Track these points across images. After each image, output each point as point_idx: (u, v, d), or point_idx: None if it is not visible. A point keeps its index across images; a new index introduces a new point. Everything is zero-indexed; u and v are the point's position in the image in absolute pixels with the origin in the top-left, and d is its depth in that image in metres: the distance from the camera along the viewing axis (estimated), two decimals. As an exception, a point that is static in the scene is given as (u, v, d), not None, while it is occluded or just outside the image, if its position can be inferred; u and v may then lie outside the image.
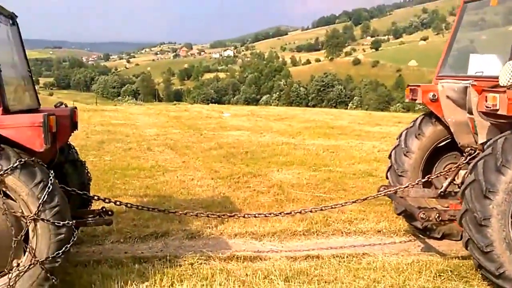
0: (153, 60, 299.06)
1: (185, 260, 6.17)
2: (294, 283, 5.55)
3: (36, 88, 6.39)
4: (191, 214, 6.78)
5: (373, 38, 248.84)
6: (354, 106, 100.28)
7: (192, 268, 5.94)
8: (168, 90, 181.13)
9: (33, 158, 4.71)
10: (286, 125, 21.12)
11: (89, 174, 6.85)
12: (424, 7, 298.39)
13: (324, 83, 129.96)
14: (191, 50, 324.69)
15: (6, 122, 4.67)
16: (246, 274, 5.77)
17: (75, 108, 6.19)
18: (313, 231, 7.47)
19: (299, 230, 7.48)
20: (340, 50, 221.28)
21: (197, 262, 6.15)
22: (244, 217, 7.06)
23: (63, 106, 6.19)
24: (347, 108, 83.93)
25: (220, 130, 19.21)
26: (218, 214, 6.89)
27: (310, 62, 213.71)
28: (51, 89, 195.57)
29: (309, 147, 14.88)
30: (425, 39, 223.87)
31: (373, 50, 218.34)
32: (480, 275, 5.68)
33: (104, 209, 6.14)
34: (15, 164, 4.50)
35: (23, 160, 4.56)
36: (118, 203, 6.33)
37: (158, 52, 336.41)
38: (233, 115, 25.32)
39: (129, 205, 6.49)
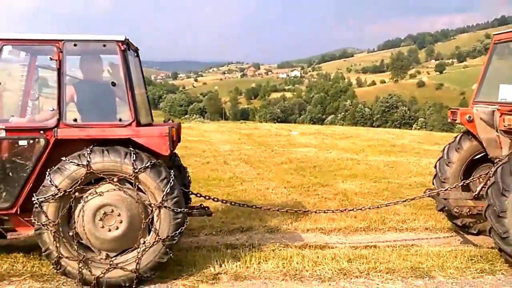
0: (221, 79, 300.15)
1: (267, 247, 7.54)
2: (356, 263, 6.88)
3: None
4: (274, 209, 8.27)
5: (437, 61, 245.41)
6: (419, 127, 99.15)
7: (273, 253, 7.30)
8: (235, 108, 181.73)
9: (160, 160, 6.19)
10: (350, 143, 22.12)
11: (189, 177, 8.26)
12: (487, 33, 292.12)
13: (388, 104, 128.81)
14: (259, 70, 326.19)
15: (140, 133, 6.15)
16: (317, 257, 7.11)
17: (180, 123, 7.66)
18: (372, 228, 8.80)
19: (360, 227, 8.81)
20: (405, 72, 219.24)
21: (277, 248, 7.52)
22: (316, 212, 8.50)
23: (170, 121, 7.69)
24: (411, 129, 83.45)
25: (289, 146, 20.34)
26: (295, 209, 8.36)
27: (375, 84, 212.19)
28: None
29: (371, 162, 15.97)
30: None
31: (437, 73, 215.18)
32: (503, 260, 6.89)
33: (202, 205, 7.54)
34: (147, 165, 5.97)
35: (152, 161, 6.04)
36: (216, 199, 7.84)
37: (226, 72, 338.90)
38: (301, 133, 26.41)
39: (224, 201, 8.00)
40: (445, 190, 8.09)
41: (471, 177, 8.25)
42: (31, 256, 6.91)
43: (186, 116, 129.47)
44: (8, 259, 6.83)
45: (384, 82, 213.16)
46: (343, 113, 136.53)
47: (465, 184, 8.22)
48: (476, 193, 7.94)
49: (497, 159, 7.49)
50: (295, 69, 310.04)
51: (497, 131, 7.46)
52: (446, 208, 8.00)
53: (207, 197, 7.79)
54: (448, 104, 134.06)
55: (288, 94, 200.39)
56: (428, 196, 8.42)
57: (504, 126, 7.11)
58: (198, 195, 7.84)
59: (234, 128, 30.37)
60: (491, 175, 6.96)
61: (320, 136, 24.92)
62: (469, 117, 8.01)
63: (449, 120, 8.71)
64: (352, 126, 56.96)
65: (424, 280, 6.46)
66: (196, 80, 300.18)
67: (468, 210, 7.66)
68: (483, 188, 7.62)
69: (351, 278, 6.48)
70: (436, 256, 7.25)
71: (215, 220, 9.02)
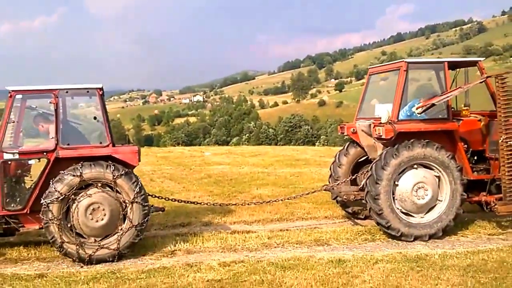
0: (123, 107, 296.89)
1: (207, 233, 10.07)
2: (273, 239, 9.64)
3: None
4: (210, 204, 11.26)
5: (337, 80, 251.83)
6: (321, 144, 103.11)
7: (212, 236, 9.90)
8: (139, 135, 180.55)
9: (130, 170, 8.69)
10: (259, 159, 24.70)
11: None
12: (383, 50, 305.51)
13: (292, 124, 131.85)
14: (161, 96, 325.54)
15: (118, 150, 8.72)
16: (245, 237, 9.86)
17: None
18: (284, 219, 11.60)
19: (274, 218, 11.61)
20: (306, 92, 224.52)
21: (214, 233, 10.07)
22: (242, 205, 11.59)
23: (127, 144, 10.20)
24: (314, 146, 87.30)
25: (205, 165, 22.61)
26: (226, 203, 11.11)
27: (277, 105, 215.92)
28: None
29: (279, 174, 18.68)
30: (385, 79, 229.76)
31: (337, 91, 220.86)
32: (381, 232, 9.83)
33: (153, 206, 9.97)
34: (122, 172, 8.51)
35: (126, 170, 8.58)
36: (167, 199, 10.54)
37: (127, 99, 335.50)
38: (213, 154, 28.65)
39: (173, 199, 10.74)
40: (337, 184, 10.94)
41: (357, 174, 11.14)
42: (32, 246, 9.35)
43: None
44: (15, 250, 9.23)
45: (287, 102, 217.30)
46: (248, 135, 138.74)
47: (352, 179, 11.11)
48: (360, 186, 10.74)
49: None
50: (197, 94, 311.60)
51: (374, 138, 10.36)
52: (338, 197, 10.84)
53: (154, 196, 10.36)
54: (348, 121, 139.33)
55: (192, 119, 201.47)
56: (325, 190, 11.29)
57: (376, 134, 9.98)
58: (153, 195, 10.40)
59: (148, 152, 32.34)
60: (368, 170, 9.83)
61: (232, 155, 27.39)
62: (353, 130, 11.01)
63: (339, 133, 11.67)
64: (258, 146, 60.21)
65: (323, 247, 9.24)
66: (88, 109, 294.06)
67: (353, 197, 10.54)
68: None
69: (271, 248, 9.20)
70: (333, 232, 10.11)
71: (160, 219, 11.43)
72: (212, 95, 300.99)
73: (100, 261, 8.45)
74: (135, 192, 8.56)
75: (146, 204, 8.70)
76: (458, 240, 9.50)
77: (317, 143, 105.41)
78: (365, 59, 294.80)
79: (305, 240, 9.59)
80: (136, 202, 8.57)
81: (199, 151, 31.65)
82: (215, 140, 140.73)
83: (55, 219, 8.27)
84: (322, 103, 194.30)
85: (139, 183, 8.68)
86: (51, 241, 8.40)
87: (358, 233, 9.99)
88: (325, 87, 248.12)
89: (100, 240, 8.57)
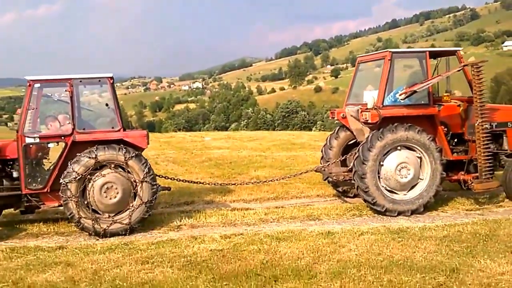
0: (125, 94, 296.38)
1: (209, 210, 10.80)
2: (270, 215, 10.44)
3: (11, 124, 11.15)
4: (211, 184, 12.18)
5: (333, 67, 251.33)
6: (318, 130, 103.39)
7: (214, 212, 10.63)
8: (141, 121, 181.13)
9: (140, 152, 9.40)
10: (257, 144, 25.40)
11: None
12: (378, 36, 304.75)
13: (288, 109, 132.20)
14: (161, 83, 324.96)
15: (128, 134, 9.44)
16: (244, 213, 10.63)
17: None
18: (279, 197, 12.40)
19: (271, 197, 12.42)
20: (303, 79, 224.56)
21: (216, 210, 10.81)
22: (241, 184, 12.54)
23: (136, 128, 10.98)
24: (310, 131, 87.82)
25: (206, 149, 23.34)
26: (226, 183, 11.83)
27: (275, 91, 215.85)
28: None
29: (275, 157, 19.38)
30: (380, 65, 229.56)
31: (333, 77, 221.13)
32: (368, 208, 10.57)
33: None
34: (133, 155, 9.23)
35: (136, 152, 9.30)
36: (173, 179, 11.26)
37: (129, 86, 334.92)
38: (213, 139, 29.34)
39: (178, 179, 11.44)
40: (327, 165, 11.68)
41: (346, 155, 11.86)
42: (50, 222, 10.23)
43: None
44: (35, 226, 10.10)
45: (284, 89, 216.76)
46: (246, 120, 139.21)
47: (341, 160, 11.83)
48: (349, 167, 11.45)
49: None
50: (196, 81, 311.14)
51: (361, 123, 11.06)
52: (329, 178, 11.60)
53: (161, 177, 11.06)
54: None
55: (192, 105, 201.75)
56: (316, 171, 12.04)
57: (363, 119, 10.69)
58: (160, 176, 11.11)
59: (152, 137, 32.91)
60: (356, 151, 10.55)
61: (231, 140, 28.10)
62: (343, 115, 11.71)
63: (330, 118, 12.37)
64: (256, 131, 60.92)
65: (315, 221, 10.01)
66: (100, 96, 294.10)
67: (343, 178, 11.31)
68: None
69: (267, 223, 9.99)
70: (324, 209, 10.88)
71: (166, 198, 12.16)
72: (211, 82, 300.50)
73: (113, 234, 9.20)
74: (145, 172, 9.29)
75: (154, 183, 9.44)
76: (437, 215, 10.28)
77: (313, 129, 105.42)
78: (360, 46, 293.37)
79: (298, 216, 10.37)
80: (146, 181, 9.30)
81: (199, 136, 32.35)
82: (214, 126, 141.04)
83: (73, 197, 9.03)
84: (318, 89, 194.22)
85: (148, 164, 9.40)
86: (69, 216, 9.17)
87: (347, 210, 10.76)
88: (321, 73, 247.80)
89: (114, 215, 9.32)
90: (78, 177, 9.05)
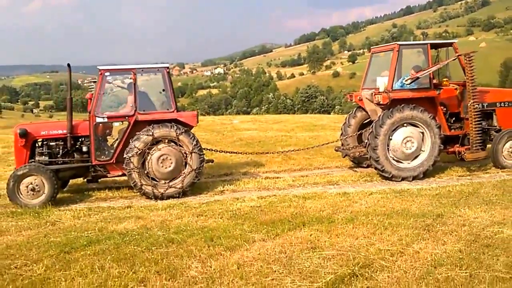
0: (147, 80, 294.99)
1: (246, 179, 12.57)
2: (296, 182, 12.25)
3: (37, 111, 12.78)
4: (249, 153, 14.33)
5: (350, 52, 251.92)
6: (336, 114, 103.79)
7: (250, 180, 12.36)
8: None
9: (189, 129, 11.23)
10: (281, 126, 26.94)
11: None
12: (394, 23, 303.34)
13: (308, 94, 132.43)
14: (183, 69, 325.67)
15: (182, 115, 11.26)
16: (275, 181, 12.40)
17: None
18: (304, 168, 14.17)
19: (297, 168, 14.22)
20: (321, 64, 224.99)
21: (252, 179, 12.59)
22: (272, 153, 14.72)
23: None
24: (329, 115, 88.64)
25: (235, 131, 24.94)
26: (261, 152, 13.71)
27: (294, 76, 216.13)
28: (51, 111, 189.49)
29: (299, 137, 21.05)
30: (389, 55, 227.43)
31: (350, 63, 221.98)
32: (378, 175, 12.44)
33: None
34: (183, 131, 11.03)
35: (185, 129, 11.11)
36: (217, 151, 13.32)
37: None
38: (240, 122, 30.88)
39: (220, 151, 13.38)
40: (345, 137, 13.76)
41: (363, 134, 13.68)
42: (114, 189, 12.06)
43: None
44: (102, 192, 11.93)
45: (303, 74, 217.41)
46: (267, 105, 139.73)
47: (357, 135, 13.76)
48: (364, 143, 13.16)
49: None
50: (218, 67, 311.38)
51: (374, 104, 12.79)
52: (346, 155, 13.47)
53: (206, 149, 12.82)
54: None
55: (214, 91, 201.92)
56: (336, 150, 14.10)
57: (376, 100, 12.43)
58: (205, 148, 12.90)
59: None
60: (370, 128, 12.32)
61: (257, 122, 29.65)
62: (359, 97, 13.51)
63: (348, 100, 14.18)
64: (279, 114, 62.63)
65: (334, 185, 11.79)
66: (123, 82, 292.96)
67: (359, 154, 13.19)
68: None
69: (295, 187, 11.75)
70: (341, 176, 12.71)
71: (208, 170, 13.80)
72: (232, 68, 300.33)
73: (169, 197, 11.01)
74: (193, 144, 11.10)
75: (201, 153, 11.26)
76: (434, 181, 12.00)
77: (332, 113, 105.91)
78: (376, 32, 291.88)
79: (320, 182, 12.19)
80: (194, 152, 11.12)
81: (228, 120, 33.84)
82: (236, 111, 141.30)
83: (136, 168, 10.86)
84: (336, 74, 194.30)
85: (196, 138, 11.20)
86: (133, 185, 10.99)
87: (360, 176, 12.55)
88: (339, 58, 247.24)
89: (169, 181, 11.12)
90: (139, 152, 10.85)
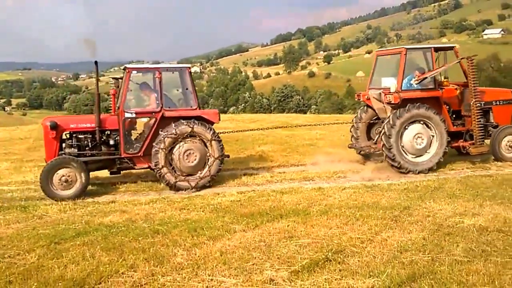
0: (122, 77, 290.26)
1: (227, 176, 13.07)
2: (274, 179, 12.71)
3: (9, 109, 13.15)
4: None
5: (325, 53, 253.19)
6: (312, 113, 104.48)
7: (231, 177, 12.85)
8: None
9: (209, 124, 11.81)
10: (258, 124, 26.81)
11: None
12: (368, 24, 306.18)
13: (284, 94, 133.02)
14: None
15: (204, 112, 11.92)
16: (254, 178, 12.82)
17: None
18: (281, 165, 14.75)
19: (275, 165, 14.75)
20: (297, 64, 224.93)
21: (231, 175, 13.09)
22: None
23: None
24: (305, 114, 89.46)
25: (213, 129, 25.49)
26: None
27: (270, 76, 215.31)
28: (24, 109, 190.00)
29: (276, 135, 21.53)
30: (370, 52, 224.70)
31: (326, 63, 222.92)
32: (392, 169, 13.02)
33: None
34: (197, 124, 11.56)
35: (199, 122, 11.64)
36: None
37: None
38: (217, 121, 31.37)
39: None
40: (356, 134, 14.66)
41: (372, 133, 14.65)
42: (97, 186, 12.40)
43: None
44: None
45: (279, 74, 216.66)
46: (243, 104, 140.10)
47: (367, 134, 14.60)
48: (374, 140, 13.99)
49: (385, 118, 13.24)
50: (194, 65, 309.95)
51: (383, 103, 13.41)
52: (361, 151, 14.33)
53: None
54: (336, 91, 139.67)
55: (170, 90, 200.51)
56: (350, 147, 14.83)
57: (387, 100, 13.01)
58: None
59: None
60: (382, 128, 12.97)
61: (234, 121, 29.97)
62: (367, 97, 14.20)
63: (356, 99, 15.29)
64: (256, 114, 63.17)
65: (309, 181, 12.40)
66: (98, 80, 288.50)
67: (372, 149, 13.96)
68: (378, 138, 13.49)
69: (273, 183, 12.31)
70: (316, 173, 13.32)
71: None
72: (208, 67, 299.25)
73: (203, 187, 11.82)
74: (211, 135, 11.77)
75: (220, 140, 11.98)
76: (404, 177, 12.56)
77: (308, 112, 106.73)
78: (351, 33, 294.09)
79: (296, 178, 12.77)
80: (214, 140, 11.82)
81: (205, 119, 34.17)
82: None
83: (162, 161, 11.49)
84: (311, 74, 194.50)
85: (214, 129, 11.91)
86: (158, 175, 11.66)
87: (335, 173, 13.15)
88: (315, 59, 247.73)
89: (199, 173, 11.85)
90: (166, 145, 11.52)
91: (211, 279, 6.17)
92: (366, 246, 7.14)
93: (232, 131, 15.85)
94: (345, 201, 9.90)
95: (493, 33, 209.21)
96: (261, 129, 16.45)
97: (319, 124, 18.11)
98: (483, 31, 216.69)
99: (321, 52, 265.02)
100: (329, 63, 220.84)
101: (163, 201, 10.57)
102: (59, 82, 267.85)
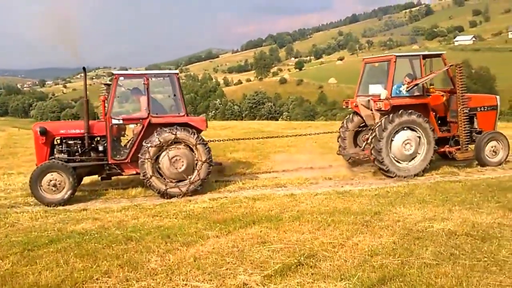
0: (90, 84, 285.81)
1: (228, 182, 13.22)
2: (246, 185, 12.86)
3: None
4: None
5: (297, 59, 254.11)
6: (284, 120, 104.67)
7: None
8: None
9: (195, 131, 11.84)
10: (229, 132, 27.60)
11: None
12: (339, 30, 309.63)
13: (255, 100, 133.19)
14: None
15: (192, 119, 11.98)
16: (226, 185, 12.99)
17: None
18: (254, 172, 14.87)
19: (247, 172, 14.86)
20: (268, 71, 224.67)
21: (222, 181, 13.22)
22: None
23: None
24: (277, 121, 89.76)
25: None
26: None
27: (241, 82, 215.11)
28: None
29: (247, 142, 21.53)
30: (341, 58, 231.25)
31: (297, 70, 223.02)
32: (381, 174, 13.56)
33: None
34: (180, 129, 11.61)
35: (183, 128, 11.69)
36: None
37: (94, 77, 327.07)
38: (188, 128, 31.43)
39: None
40: (344, 141, 14.92)
41: (359, 139, 14.92)
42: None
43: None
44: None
45: (250, 80, 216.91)
46: (214, 111, 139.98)
47: (353, 139, 14.88)
48: (362, 147, 14.21)
49: (373, 125, 13.60)
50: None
51: (371, 110, 13.72)
52: (350, 158, 14.56)
53: None
54: (308, 98, 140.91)
55: (159, 96, 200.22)
56: (338, 154, 15.10)
57: (377, 107, 13.32)
58: None
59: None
60: (372, 132, 13.28)
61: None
62: (355, 104, 14.47)
63: (343, 107, 15.55)
64: (227, 121, 63.23)
65: (281, 188, 12.59)
66: (65, 87, 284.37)
67: (362, 156, 14.04)
68: (366, 145, 13.84)
69: (245, 190, 12.48)
70: (288, 179, 13.50)
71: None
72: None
73: (193, 192, 11.93)
74: (195, 138, 11.82)
75: (206, 143, 12.09)
76: (373, 182, 12.92)
77: (279, 119, 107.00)
78: (323, 39, 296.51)
79: (268, 184, 12.96)
80: (200, 144, 11.87)
81: (175, 126, 34.21)
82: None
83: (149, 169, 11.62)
84: (283, 81, 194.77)
85: (196, 133, 11.87)
86: (156, 192, 11.79)
87: (306, 179, 13.36)
88: (286, 65, 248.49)
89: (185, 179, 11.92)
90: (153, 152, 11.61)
91: (185, 284, 6.34)
92: (337, 251, 7.37)
93: (228, 139, 16.93)
94: (317, 207, 10.12)
95: (464, 39, 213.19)
96: (256, 138, 17.86)
97: (310, 134, 18.14)
98: (455, 37, 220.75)
99: (293, 59, 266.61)
100: (300, 69, 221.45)
101: (135, 208, 10.66)
102: (25, 88, 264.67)
